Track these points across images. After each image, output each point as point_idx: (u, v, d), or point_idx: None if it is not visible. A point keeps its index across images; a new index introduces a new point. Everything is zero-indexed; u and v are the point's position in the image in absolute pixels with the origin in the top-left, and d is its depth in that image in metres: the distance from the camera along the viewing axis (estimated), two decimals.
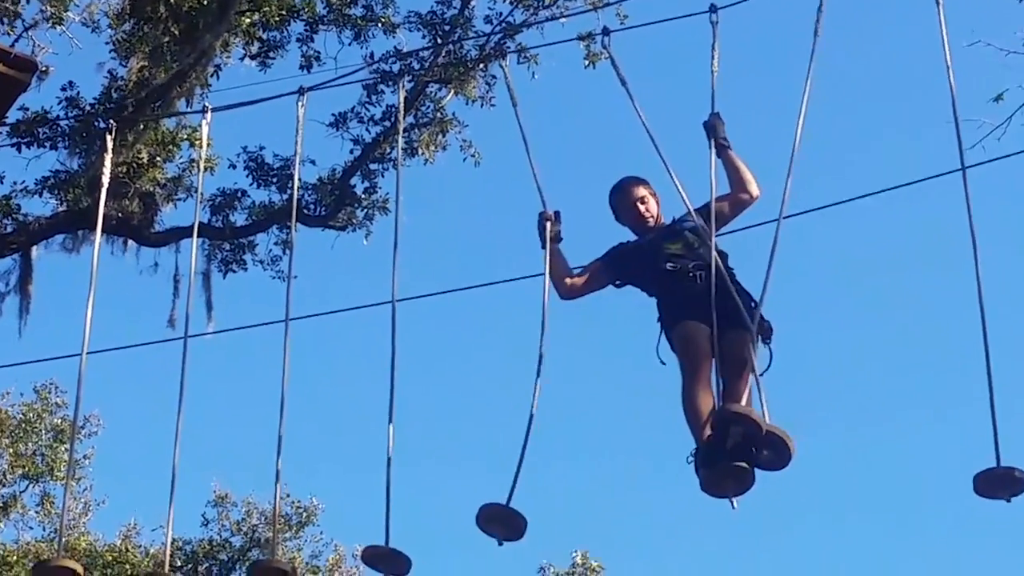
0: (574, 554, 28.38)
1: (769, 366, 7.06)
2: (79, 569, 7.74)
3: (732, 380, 6.96)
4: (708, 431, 6.73)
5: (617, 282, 7.66)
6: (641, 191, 7.71)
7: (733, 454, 6.57)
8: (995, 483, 6.40)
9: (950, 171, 7.40)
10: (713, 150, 7.45)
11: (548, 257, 7.53)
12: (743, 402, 6.83)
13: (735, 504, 6.65)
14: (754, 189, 7.55)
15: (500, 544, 6.86)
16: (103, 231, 14.58)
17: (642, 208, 7.68)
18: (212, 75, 16.36)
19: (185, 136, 16.81)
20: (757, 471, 6.60)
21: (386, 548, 7.16)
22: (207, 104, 9.00)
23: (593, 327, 27.28)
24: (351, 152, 17.46)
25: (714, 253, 7.11)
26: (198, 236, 14.52)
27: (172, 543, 25.89)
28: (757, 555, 39.11)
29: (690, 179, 7.50)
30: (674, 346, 7.27)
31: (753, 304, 7.23)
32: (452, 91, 17.25)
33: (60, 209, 16.49)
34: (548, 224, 7.58)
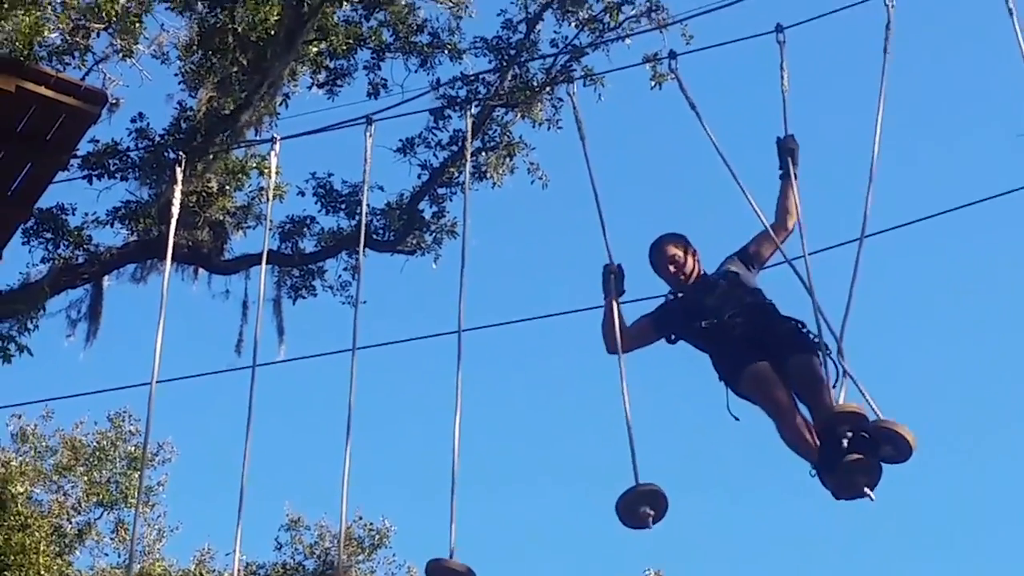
0: (647, 572, 28.28)
1: (838, 380, 6.98)
2: None
3: (816, 399, 6.90)
4: (817, 444, 6.70)
5: (671, 337, 7.60)
6: (673, 249, 7.67)
7: (849, 450, 6.51)
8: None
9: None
10: (791, 171, 7.43)
11: (608, 312, 7.53)
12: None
13: (872, 496, 6.56)
14: (793, 222, 7.53)
15: (650, 526, 6.71)
16: (174, 260, 14.72)
17: (674, 268, 7.63)
18: (280, 104, 16.48)
19: (254, 164, 16.93)
20: (884, 466, 6.53)
21: (452, 561, 7.16)
22: (275, 134, 9.05)
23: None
24: (419, 177, 17.54)
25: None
26: (267, 263, 14.60)
27: (246, 567, 26.13)
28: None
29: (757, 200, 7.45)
30: (747, 397, 7.21)
31: (802, 326, 7.20)
32: (519, 115, 17.27)
33: (131, 239, 16.62)
34: (612, 277, 7.58)
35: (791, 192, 7.49)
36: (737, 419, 7.20)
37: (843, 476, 6.56)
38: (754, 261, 7.57)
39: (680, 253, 7.63)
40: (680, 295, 7.59)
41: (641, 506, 6.63)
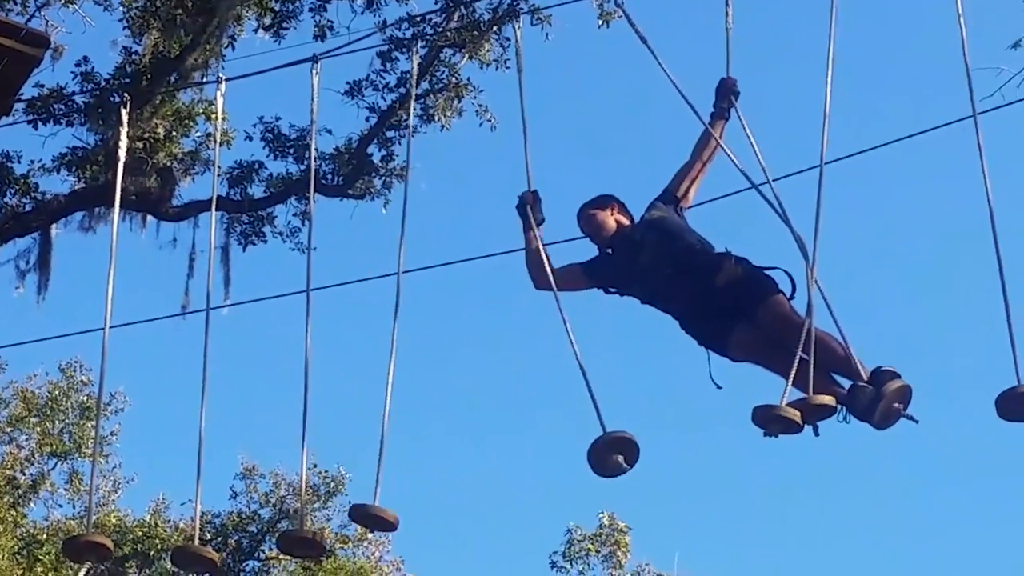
0: (601, 515, 28.43)
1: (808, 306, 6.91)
2: (108, 544, 7.76)
3: (805, 346, 6.69)
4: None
5: (609, 289, 7.50)
6: (590, 212, 7.57)
7: (874, 382, 6.48)
8: (1018, 404, 6.33)
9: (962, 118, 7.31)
10: (731, 109, 7.40)
11: (529, 244, 7.43)
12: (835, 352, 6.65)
13: (916, 418, 6.54)
14: (711, 158, 7.48)
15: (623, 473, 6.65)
16: (121, 207, 14.63)
17: (591, 230, 7.56)
18: (226, 47, 16.36)
19: (201, 110, 16.82)
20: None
21: (376, 507, 7.12)
22: (221, 75, 8.94)
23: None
24: (367, 120, 17.46)
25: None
26: (216, 209, 14.51)
27: (201, 516, 26.07)
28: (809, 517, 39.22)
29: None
30: (737, 359, 7.12)
31: (740, 261, 7.09)
32: (466, 55, 17.20)
33: (78, 186, 16.52)
34: (528, 206, 7.48)
35: (719, 131, 7.45)
36: (720, 387, 7.11)
37: (882, 408, 6.49)
38: (679, 200, 7.49)
39: (598, 214, 7.53)
40: (610, 251, 7.50)
41: (613, 454, 6.59)
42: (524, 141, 7.51)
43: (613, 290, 7.48)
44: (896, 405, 6.49)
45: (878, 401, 6.45)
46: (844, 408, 6.57)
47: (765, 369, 6.99)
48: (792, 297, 7.01)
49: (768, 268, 7.11)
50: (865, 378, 6.52)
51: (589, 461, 6.60)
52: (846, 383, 6.67)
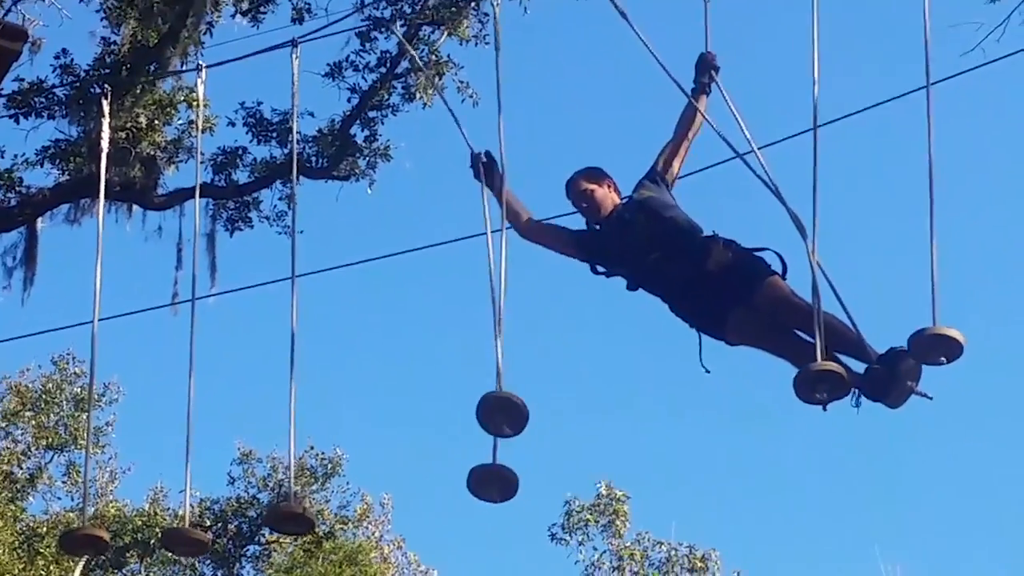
0: (599, 485, 28.46)
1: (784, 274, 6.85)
2: (105, 536, 7.75)
3: (806, 327, 6.59)
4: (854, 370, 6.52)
5: (596, 268, 7.37)
6: (584, 184, 7.40)
7: (885, 362, 6.46)
8: (929, 346, 6.33)
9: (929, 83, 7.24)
10: (711, 84, 7.36)
11: (501, 198, 7.20)
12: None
13: (929, 394, 6.54)
14: (695, 134, 7.40)
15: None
16: (106, 198, 14.61)
17: (586, 204, 7.38)
18: (204, 33, 16.32)
19: (182, 98, 16.80)
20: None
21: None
22: (201, 62, 8.92)
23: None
24: (348, 101, 17.45)
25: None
26: (201, 196, 14.52)
27: (200, 503, 26.13)
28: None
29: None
30: (735, 343, 7.03)
31: (728, 244, 7.00)
32: (445, 32, 17.19)
33: (62, 179, 16.50)
34: (482, 167, 7.28)
35: (701, 106, 7.39)
36: (708, 371, 7.03)
37: (898, 389, 6.49)
38: (666, 178, 7.42)
39: (592, 187, 7.36)
40: (599, 228, 7.36)
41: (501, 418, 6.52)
42: (498, 114, 7.37)
43: (601, 269, 7.36)
44: (910, 384, 6.50)
45: (894, 382, 6.46)
46: (857, 391, 6.54)
47: (767, 352, 6.89)
48: (784, 277, 6.92)
49: (757, 249, 7.01)
50: (874, 359, 6.50)
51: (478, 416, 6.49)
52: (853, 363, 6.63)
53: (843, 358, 6.56)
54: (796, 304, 6.73)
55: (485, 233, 6.90)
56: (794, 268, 6.86)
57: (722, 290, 6.93)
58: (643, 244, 7.12)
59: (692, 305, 7.09)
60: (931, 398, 6.56)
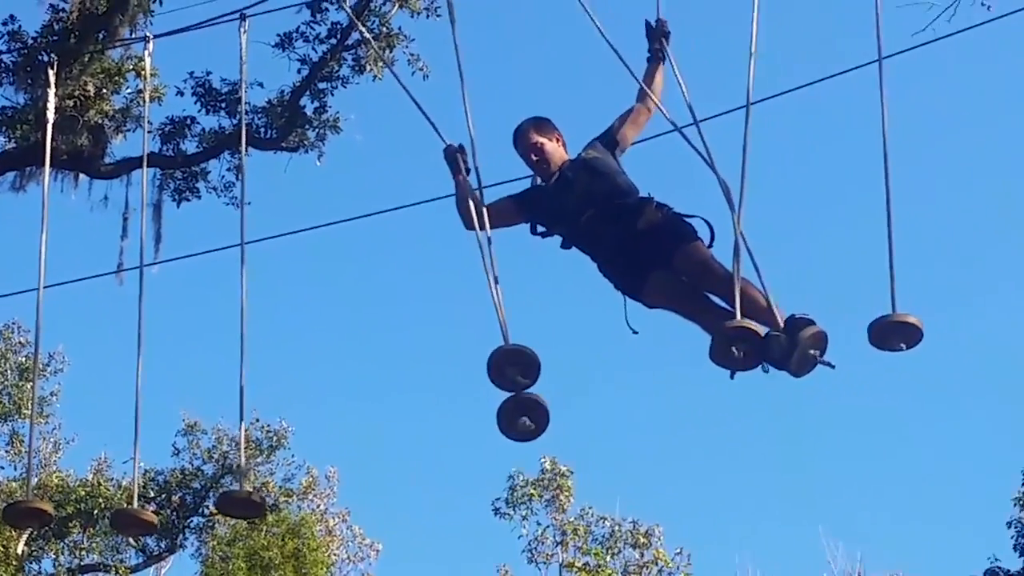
0: (543, 460, 28.54)
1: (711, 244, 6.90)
2: (49, 509, 7.75)
3: (719, 289, 6.73)
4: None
5: (536, 228, 7.35)
6: (535, 136, 7.36)
7: (789, 330, 6.44)
8: (888, 332, 6.37)
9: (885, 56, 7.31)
10: (660, 54, 7.38)
11: (459, 189, 7.25)
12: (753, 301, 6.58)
13: (832, 363, 6.49)
14: (653, 104, 7.43)
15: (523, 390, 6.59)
16: (53, 166, 14.51)
17: (536, 157, 7.34)
18: (154, 1, 16.19)
19: (131, 67, 16.68)
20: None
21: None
22: (148, 33, 8.88)
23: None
24: (298, 72, 17.37)
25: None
26: (149, 166, 14.41)
27: (144, 474, 26.02)
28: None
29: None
30: (652, 305, 7.06)
31: (661, 207, 7.04)
32: (396, 4, 17.13)
33: (9, 146, 16.37)
34: (457, 156, 7.27)
35: (658, 75, 7.42)
36: (636, 332, 7.03)
37: (798, 355, 6.48)
38: (618, 144, 7.42)
39: (543, 140, 7.34)
40: (545, 184, 7.36)
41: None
42: (461, 87, 7.35)
43: (541, 228, 7.35)
44: (812, 352, 6.49)
45: (793, 348, 6.43)
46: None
47: (682, 317, 6.93)
48: (710, 246, 6.96)
49: (689, 216, 7.04)
50: (780, 326, 6.50)
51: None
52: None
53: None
54: (713, 268, 6.81)
55: (433, 200, 6.88)
56: (722, 239, 6.89)
57: (647, 251, 6.95)
58: (580, 202, 7.14)
59: (617, 265, 7.11)
60: (834, 367, 6.51)
